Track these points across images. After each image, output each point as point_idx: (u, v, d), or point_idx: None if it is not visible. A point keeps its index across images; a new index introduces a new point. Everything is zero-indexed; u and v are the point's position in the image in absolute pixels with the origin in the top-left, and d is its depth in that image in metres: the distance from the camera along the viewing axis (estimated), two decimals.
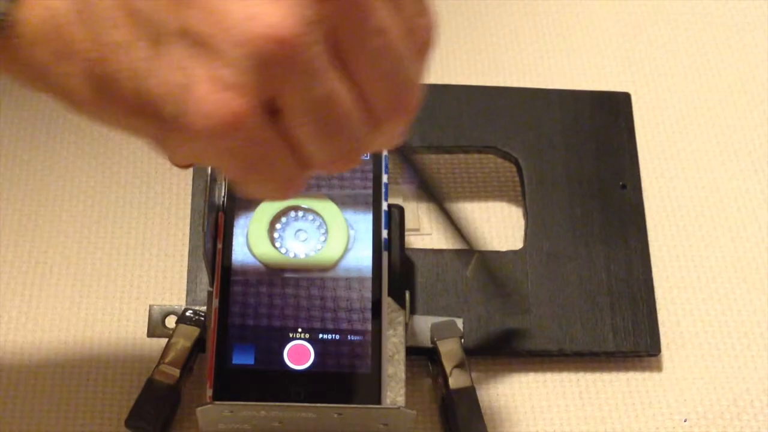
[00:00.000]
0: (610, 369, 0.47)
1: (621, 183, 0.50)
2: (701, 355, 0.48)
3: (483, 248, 0.48)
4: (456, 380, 0.44)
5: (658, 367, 0.47)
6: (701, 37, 0.58)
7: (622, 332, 0.47)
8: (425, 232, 0.51)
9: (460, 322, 0.46)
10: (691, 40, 0.58)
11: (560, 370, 0.47)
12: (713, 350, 0.48)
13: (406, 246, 0.47)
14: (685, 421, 0.46)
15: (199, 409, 0.39)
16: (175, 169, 0.51)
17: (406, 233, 0.48)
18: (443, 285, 0.47)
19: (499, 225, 0.51)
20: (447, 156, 0.52)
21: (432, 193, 0.41)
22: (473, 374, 0.45)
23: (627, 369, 0.47)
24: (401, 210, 0.46)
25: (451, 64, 0.56)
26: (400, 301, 0.44)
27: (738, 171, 0.53)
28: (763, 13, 0.59)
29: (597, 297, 0.47)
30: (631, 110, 0.52)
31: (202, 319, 0.43)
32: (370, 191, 0.44)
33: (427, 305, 0.47)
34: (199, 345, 0.44)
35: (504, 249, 0.49)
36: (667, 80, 0.56)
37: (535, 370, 0.47)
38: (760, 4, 0.59)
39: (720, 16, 0.59)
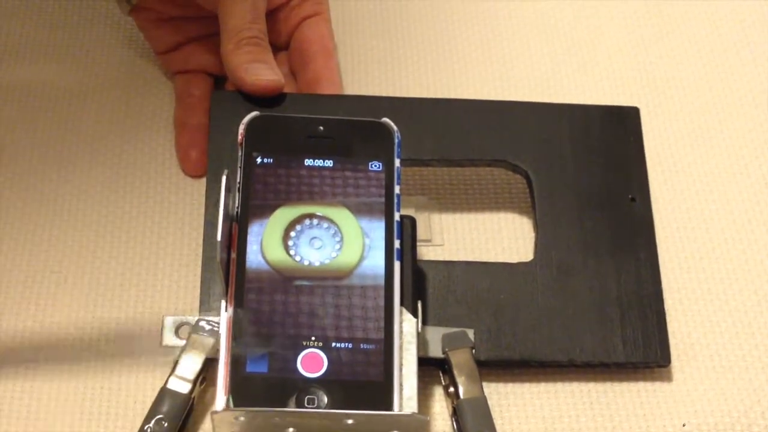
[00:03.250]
0: (620, 380, 0.47)
1: (630, 196, 0.50)
2: (712, 366, 0.48)
3: (491, 260, 0.49)
4: (467, 390, 0.45)
5: (668, 378, 0.47)
6: (710, 51, 0.59)
7: (632, 343, 0.47)
8: (437, 244, 0.51)
9: (471, 333, 0.46)
10: (701, 54, 0.58)
11: (571, 380, 0.47)
12: (723, 361, 0.48)
13: (418, 257, 0.47)
14: (684, 425, 0.46)
15: (214, 414, 0.40)
16: (189, 180, 0.52)
17: (418, 244, 0.49)
18: (454, 296, 0.48)
19: (509, 237, 0.51)
20: (458, 169, 0.53)
21: None
22: (484, 385, 0.45)
23: (637, 380, 0.47)
24: (413, 221, 0.46)
25: (463, 79, 0.57)
26: (412, 310, 0.44)
27: (748, 183, 0.54)
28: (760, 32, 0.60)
29: (607, 308, 0.48)
30: (639, 124, 0.52)
31: (216, 329, 0.44)
32: (383, 200, 0.44)
33: (438, 316, 0.47)
34: (211, 355, 0.44)
35: (514, 261, 0.49)
36: (676, 94, 0.57)
37: (546, 380, 0.47)
38: (766, 17, 0.60)
39: (729, 30, 0.59)
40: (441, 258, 0.50)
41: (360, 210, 0.44)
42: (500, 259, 0.50)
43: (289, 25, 0.55)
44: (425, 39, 0.58)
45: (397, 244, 0.44)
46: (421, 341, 0.45)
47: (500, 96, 0.55)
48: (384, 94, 0.55)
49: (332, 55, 0.54)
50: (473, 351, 0.46)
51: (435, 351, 0.45)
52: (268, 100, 0.50)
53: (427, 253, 0.50)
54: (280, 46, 0.55)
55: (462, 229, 0.51)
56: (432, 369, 0.46)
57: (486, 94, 0.55)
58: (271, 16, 0.54)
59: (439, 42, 0.58)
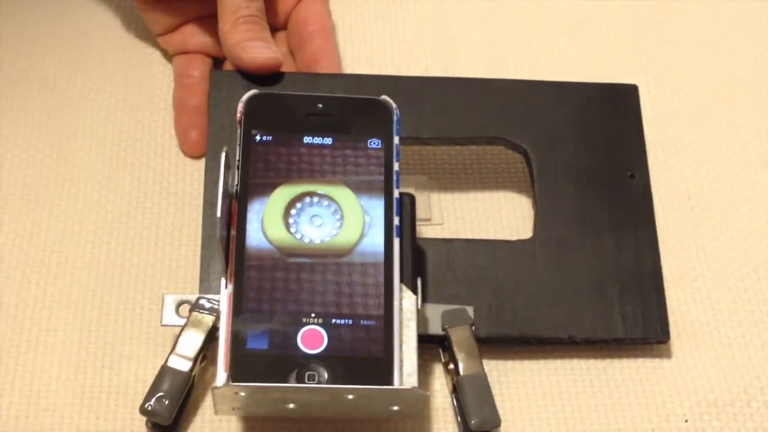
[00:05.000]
0: (620, 356, 0.47)
1: (629, 173, 0.50)
2: (711, 342, 0.48)
3: (491, 238, 0.49)
4: (467, 367, 0.45)
5: (667, 355, 0.48)
6: (710, 28, 0.59)
7: (631, 320, 0.47)
8: (436, 222, 0.51)
9: (470, 310, 0.46)
10: (701, 32, 0.58)
11: (570, 357, 0.47)
12: (723, 338, 0.48)
13: (418, 235, 0.47)
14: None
15: (215, 390, 0.40)
16: (189, 161, 0.52)
17: (418, 223, 0.49)
18: (453, 274, 0.48)
19: (508, 215, 0.52)
20: (457, 148, 0.53)
21: None
22: (484, 362, 0.45)
23: (637, 356, 0.48)
24: (412, 198, 0.46)
25: (462, 58, 0.57)
26: (412, 287, 0.44)
27: (747, 161, 0.54)
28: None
29: (606, 285, 0.48)
30: (638, 102, 0.52)
31: (216, 307, 0.44)
32: (383, 178, 0.44)
33: (437, 294, 0.47)
34: (211, 333, 0.44)
35: (514, 239, 0.49)
36: (676, 72, 0.57)
37: (546, 357, 0.47)
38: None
39: (730, 9, 0.59)
40: (441, 236, 0.50)
41: (360, 187, 0.44)
42: (499, 236, 0.50)
43: (287, 5, 0.55)
44: (424, 18, 0.58)
45: (396, 221, 0.44)
46: (421, 318, 0.45)
47: (499, 74, 0.55)
48: (383, 73, 0.55)
49: (330, 35, 0.54)
50: (473, 328, 0.46)
51: (435, 328, 0.46)
52: (266, 79, 0.50)
53: (426, 231, 0.51)
54: (278, 26, 0.55)
55: (461, 208, 0.52)
56: (432, 346, 0.46)
57: (485, 73, 0.55)
58: None
59: (438, 21, 0.58)
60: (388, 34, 0.57)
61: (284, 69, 0.51)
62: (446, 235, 0.50)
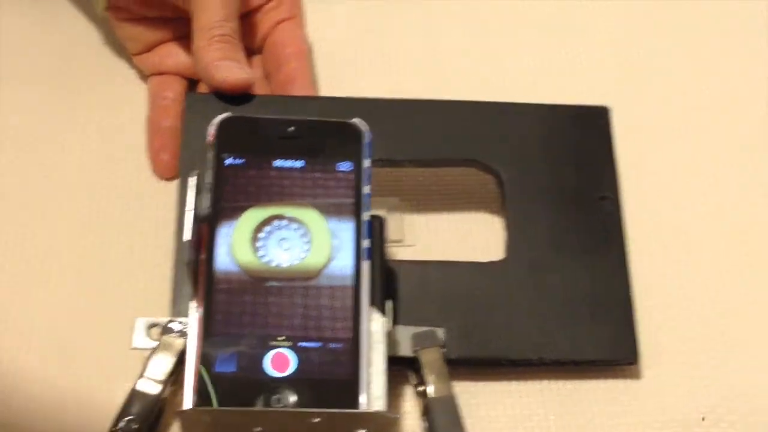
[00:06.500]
0: (589, 377, 0.48)
1: (600, 195, 0.51)
2: (680, 363, 0.48)
3: (463, 260, 0.49)
4: (437, 389, 0.45)
5: (636, 376, 0.48)
6: (683, 49, 0.59)
7: (601, 341, 0.47)
8: (409, 244, 0.51)
9: (441, 332, 0.46)
10: (672, 53, 0.59)
11: (540, 378, 0.48)
12: (691, 359, 0.48)
13: (390, 257, 0.48)
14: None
15: (181, 413, 0.40)
16: (162, 183, 0.52)
17: (390, 245, 0.49)
18: (425, 296, 0.48)
19: (481, 236, 0.52)
20: (431, 170, 0.53)
21: None
22: (454, 384, 0.45)
23: (606, 377, 0.48)
24: (382, 221, 0.47)
25: (436, 80, 0.57)
26: (382, 310, 0.44)
27: (718, 183, 0.54)
28: (742, 28, 0.60)
29: (576, 307, 0.48)
30: (609, 124, 0.52)
31: (186, 330, 0.44)
32: (353, 201, 0.44)
33: (409, 316, 0.47)
34: (182, 356, 0.44)
35: (486, 260, 0.50)
36: (650, 94, 0.57)
37: (517, 379, 0.48)
38: (738, 19, 0.60)
39: (703, 31, 0.60)
40: (413, 258, 0.50)
41: (329, 211, 0.44)
42: (472, 258, 0.51)
43: (264, 28, 0.55)
44: (399, 41, 0.59)
45: (366, 244, 0.44)
46: (392, 341, 0.45)
47: (474, 96, 0.55)
48: (357, 95, 0.56)
49: (306, 57, 0.55)
50: (444, 350, 0.46)
51: (405, 350, 0.46)
52: (240, 101, 0.50)
53: (399, 253, 0.51)
54: (255, 49, 0.55)
55: (434, 229, 0.52)
56: (404, 368, 0.46)
57: (460, 95, 0.55)
58: (246, 19, 0.54)
59: (413, 44, 0.59)
60: (362, 57, 0.58)
61: (259, 91, 0.52)
62: (419, 256, 0.50)
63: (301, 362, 0.41)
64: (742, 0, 0.61)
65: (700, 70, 0.58)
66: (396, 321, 0.46)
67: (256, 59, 0.55)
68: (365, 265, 0.44)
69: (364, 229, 0.44)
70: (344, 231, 0.44)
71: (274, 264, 0.43)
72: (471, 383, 0.47)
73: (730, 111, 0.57)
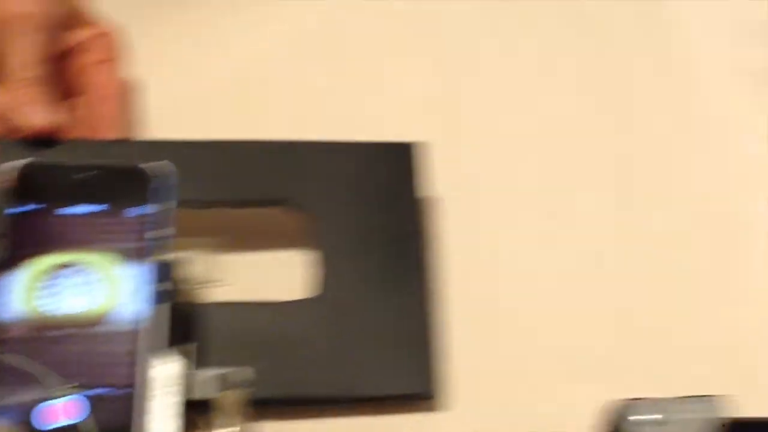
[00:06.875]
0: (393, 412, 0.48)
1: (408, 231, 0.51)
2: (481, 398, 0.49)
3: (274, 299, 0.49)
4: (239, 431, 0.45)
5: (438, 409, 0.48)
6: (498, 85, 0.60)
7: (401, 376, 0.48)
8: (216, 285, 0.51)
9: (246, 372, 0.46)
10: (489, 89, 0.60)
11: (346, 415, 0.48)
12: (492, 395, 0.49)
13: (198, 299, 0.48)
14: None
15: None
16: None
17: (197, 286, 0.49)
18: (237, 337, 0.48)
19: (291, 276, 0.52)
20: (241, 211, 0.53)
21: None
22: (265, 424, 0.45)
23: (411, 411, 0.48)
24: (179, 263, 0.47)
25: (248, 120, 0.57)
26: (177, 353, 0.44)
27: (530, 219, 0.55)
28: (560, 61, 0.61)
29: (382, 343, 0.49)
30: (416, 160, 0.53)
31: None
32: (143, 245, 0.44)
33: (219, 357, 0.47)
34: None
35: (296, 299, 0.50)
36: (463, 128, 0.58)
37: (324, 416, 0.48)
38: (557, 53, 0.62)
39: (515, 64, 0.61)
40: (220, 299, 0.50)
41: (119, 255, 0.44)
42: (282, 297, 0.51)
43: (77, 70, 0.55)
44: (213, 82, 0.59)
45: (157, 287, 0.44)
46: (193, 384, 0.45)
47: (285, 135, 0.55)
48: (179, 137, 0.56)
49: (119, 100, 0.54)
50: (250, 390, 0.46)
51: (207, 392, 0.46)
52: (46, 147, 0.50)
53: (210, 294, 0.51)
54: (68, 92, 0.55)
55: (243, 269, 0.52)
56: (205, 411, 0.46)
57: (278, 134, 0.56)
58: (59, 61, 0.54)
59: (230, 85, 0.59)
60: (183, 97, 0.58)
61: (76, 135, 0.51)
62: (227, 297, 0.50)
63: (85, 410, 0.41)
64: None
65: (516, 105, 0.59)
66: (199, 364, 0.46)
67: (70, 102, 0.55)
68: (156, 309, 0.43)
69: (155, 272, 0.44)
70: (133, 276, 0.44)
71: (56, 313, 0.43)
72: (279, 422, 0.47)
73: (551, 142, 0.58)
